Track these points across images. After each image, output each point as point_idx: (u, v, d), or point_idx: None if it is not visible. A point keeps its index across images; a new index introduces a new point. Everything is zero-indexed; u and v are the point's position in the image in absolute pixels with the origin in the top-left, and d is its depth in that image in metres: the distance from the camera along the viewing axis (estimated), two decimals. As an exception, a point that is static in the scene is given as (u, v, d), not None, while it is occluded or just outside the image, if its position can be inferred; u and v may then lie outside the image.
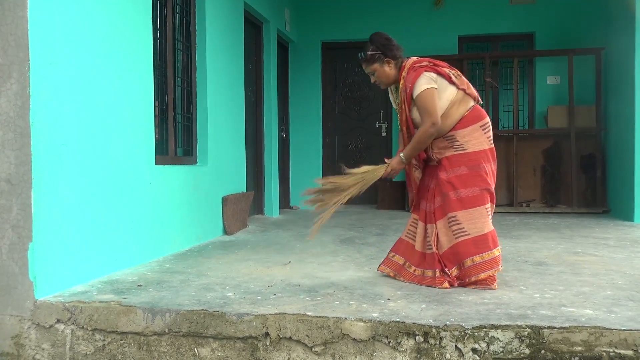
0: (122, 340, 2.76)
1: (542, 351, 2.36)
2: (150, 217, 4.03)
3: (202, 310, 2.70)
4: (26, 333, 2.89)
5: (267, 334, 2.59)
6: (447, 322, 2.46)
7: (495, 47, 8.21)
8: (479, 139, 3.22)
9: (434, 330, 2.44)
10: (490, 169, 3.24)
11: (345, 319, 2.54)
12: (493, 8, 8.00)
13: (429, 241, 3.24)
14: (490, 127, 3.30)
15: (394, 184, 8.08)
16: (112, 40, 3.59)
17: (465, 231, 3.14)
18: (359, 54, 3.35)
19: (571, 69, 7.27)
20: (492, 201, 3.25)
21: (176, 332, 2.69)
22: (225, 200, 5.30)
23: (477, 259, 3.11)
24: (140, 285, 3.22)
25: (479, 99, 3.33)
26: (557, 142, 7.39)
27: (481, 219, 3.16)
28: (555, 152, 7.40)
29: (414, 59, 3.31)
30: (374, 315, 2.57)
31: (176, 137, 4.79)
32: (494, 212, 3.35)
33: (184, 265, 3.85)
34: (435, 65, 3.25)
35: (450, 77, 3.23)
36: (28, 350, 2.87)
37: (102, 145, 3.47)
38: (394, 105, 3.47)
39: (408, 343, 2.46)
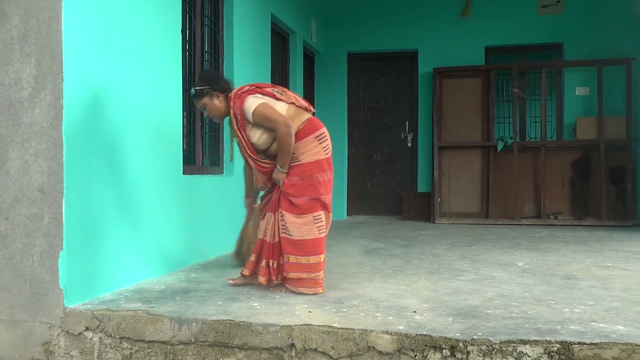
0: (149, 348, 2.78)
1: (572, 367, 2.32)
2: (178, 227, 4.08)
3: (228, 320, 2.71)
4: (56, 340, 2.93)
5: (292, 345, 2.60)
6: (475, 336, 2.44)
7: (523, 57, 8.14)
8: (314, 149, 3.33)
9: (461, 344, 2.42)
10: (326, 178, 3.37)
11: (371, 331, 2.53)
12: (521, 18, 7.94)
13: (267, 229, 3.39)
14: (327, 137, 3.44)
15: (419, 195, 8.05)
16: (142, 51, 3.65)
17: (289, 231, 3.29)
18: (190, 91, 3.42)
19: (600, 80, 7.17)
20: (325, 209, 3.36)
21: (202, 341, 2.71)
22: (250, 210, 5.32)
23: (292, 258, 3.28)
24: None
25: (311, 108, 3.47)
26: (585, 154, 7.29)
27: (305, 226, 3.29)
28: (584, 164, 7.30)
29: (237, 88, 3.42)
30: (400, 327, 2.56)
31: (203, 147, 4.84)
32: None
33: (210, 274, 3.88)
34: (257, 87, 3.39)
35: (275, 95, 3.35)
36: (57, 357, 2.91)
37: (132, 155, 3.53)
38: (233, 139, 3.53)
39: (434, 357, 2.44)
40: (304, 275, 3.27)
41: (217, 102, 3.38)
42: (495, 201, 7.44)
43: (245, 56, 5.39)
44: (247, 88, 3.37)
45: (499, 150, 7.41)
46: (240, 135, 3.35)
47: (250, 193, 3.77)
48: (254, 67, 5.63)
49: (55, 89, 2.94)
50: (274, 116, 3.24)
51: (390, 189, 8.48)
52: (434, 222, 7.49)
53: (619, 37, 7.36)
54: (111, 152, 3.33)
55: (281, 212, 3.31)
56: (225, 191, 4.90)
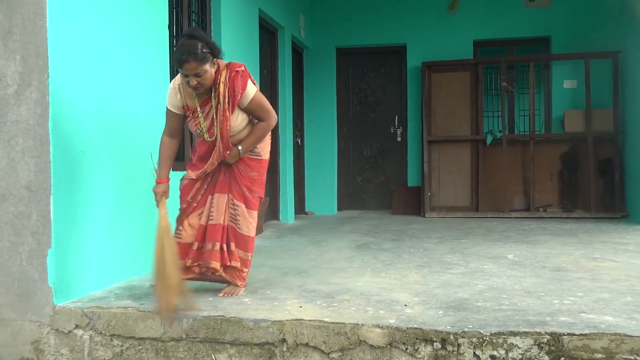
0: (139, 345, 2.77)
1: (562, 358, 2.33)
2: (167, 223, 4.05)
3: (219, 316, 2.71)
4: (45, 338, 2.91)
5: (284, 340, 2.60)
6: (465, 329, 2.45)
7: (511, 51, 8.17)
8: (268, 147, 3.27)
9: (451, 336, 2.43)
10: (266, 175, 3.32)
11: (362, 325, 2.53)
12: (508, 12, 7.96)
13: (212, 211, 3.11)
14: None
15: (409, 189, 8.06)
16: (129, 47, 3.62)
17: (239, 224, 3.13)
18: (188, 53, 2.80)
19: (588, 73, 7.21)
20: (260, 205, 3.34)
21: (193, 337, 2.70)
22: (241, 206, 5.30)
23: (239, 252, 3.16)
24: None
25: None
26: (574, 147, 7.33)
27: (253, 223, 3.19)
28: (572, 157, 7.34)
29: (229, 62, 3.06)
30: (391, 321, 2.56)
31: (191, 143, 4.81)
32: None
33: (200, 271, 3.86)
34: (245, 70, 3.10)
35: (254, 81, 3.12)
36: (47, 356, 2.90)
37: (119, 152, 3.50)
38: (175, 110, 3.12)
39: (425, 350, 2.45)
40: (243, 269, 3.19)
41: (213, 71, 2.94)
42: (484, 194, 7.46)
43: (233, 52, 5.36)
44: (243, 68, 3.07)
45: (488, 144, 7.43)
46: (227, 115, 2.98)
47: (167, 176, 3.13)
48: (243, 62, 5.59)
49: (41, 85, 2.91)
50: (268, 106, 3.10)
51: (380, 184, 8.49)
52: (424, 216, 7.51)
53: (606, 31, 7.39)
54: (99, 149, 3.30)
55: (235, 203, 3.12)
56: (215, 187, 4.87)
